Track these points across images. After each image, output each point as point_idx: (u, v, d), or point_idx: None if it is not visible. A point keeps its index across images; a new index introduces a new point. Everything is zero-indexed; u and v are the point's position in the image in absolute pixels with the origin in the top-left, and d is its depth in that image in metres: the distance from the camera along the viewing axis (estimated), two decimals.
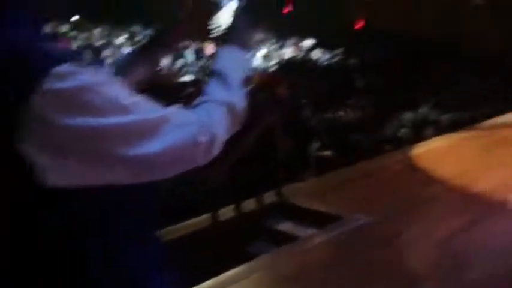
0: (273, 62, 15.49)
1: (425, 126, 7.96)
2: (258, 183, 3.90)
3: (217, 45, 0.98)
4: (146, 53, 1.04)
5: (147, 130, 0.68)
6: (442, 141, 5.72)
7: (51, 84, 0.61)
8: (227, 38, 0.97)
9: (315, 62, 15.34)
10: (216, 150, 0.80)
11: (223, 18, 1.01)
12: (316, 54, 16.16)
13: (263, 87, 11.85)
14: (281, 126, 6.90)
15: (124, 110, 0.66)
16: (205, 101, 0.84)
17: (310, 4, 18.97)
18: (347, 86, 11.34)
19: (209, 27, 1.03)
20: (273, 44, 17.55)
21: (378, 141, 7.23)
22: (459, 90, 10.13)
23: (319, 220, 2.48)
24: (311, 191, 3.40)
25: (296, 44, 17.49)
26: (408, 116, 8.64)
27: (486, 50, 10.43)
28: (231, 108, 0.84)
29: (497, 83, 9.55)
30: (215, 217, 2.62)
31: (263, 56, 15.95)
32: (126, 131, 0.66)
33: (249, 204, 2.79)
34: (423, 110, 8.92)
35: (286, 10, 21.18)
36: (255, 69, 14.62)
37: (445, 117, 8.43)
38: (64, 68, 0.62)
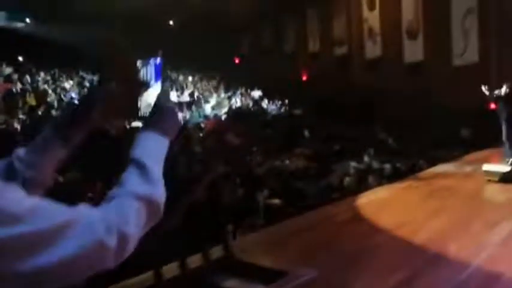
0: (224, 110, 15.74)
1: (369, 174, 8.26)
2: (204, 237, 3.81)
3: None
4: (62, 133, 0.95)
5: (40, 241, 0.63)
6: (384, 191, 5.96)
7: None
8: (149, 121, 0.93)
9: (263, 112, 15.75)
10: (128, 251, 0.75)
11: (150, 99, 0.98)
12: (265, 104, 16.64)
13: (213, 134, 11.95)
14: (229, 175, 6.92)
15: (14, 220, 0.62)
16: (120, 195, 0.78)
17: (259, 57, 19.85)
18: (294, 135, 11.69)
19: (135, 107, 1.00)
20: (224, 93, 17.91)
21: (324, 189, 7.39)
22: (401, 139, 10.84)
23: (266, 276, 2.43)
24: (259, 245, 3.35)
25: (246, 94, 17.97)
26: (353, 164, 8.95)
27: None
28: (148, 202, 0.79)
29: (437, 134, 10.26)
30: (158, 275, 2.49)
31: (214, 104, 16.20)
32: (16, 244, 0.61)
33: (195, 260, 2.68)
34: (367, 159, 9.29)
35: (237, 60, 21.97)
36: (206, 117, 14.77)
37: (387, 166, 8.81)
38: None
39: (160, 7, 17.42)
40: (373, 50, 14.72)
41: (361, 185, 7.43)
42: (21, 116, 11.43)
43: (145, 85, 1.01)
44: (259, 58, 19.71)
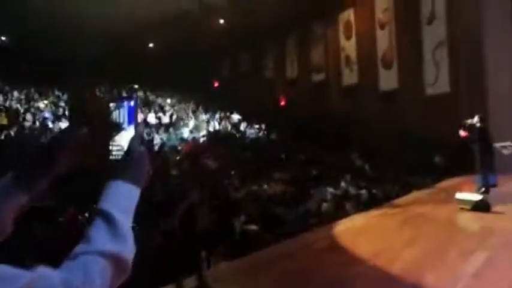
0: (202, 133, 15.67)
1: (346, 201, 8.29)
2: (178, 266, 3.69)
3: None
4: (24, 181, 0.88)
5: None
6: (361, 218, 5.98)
7: None
8: (120, 168, 0.87)
9: (241, 136, 15.76)
10: None
11: (123, 142, 0.93)
12: (243, 127, 16.66)
13: (189, 157, 11.75)
14: (205, 199, 6.80)
15: None
16: (85, 252, 0.73)
17: (238, 81, 20.04)
18: (272, 160, 11.69)
19: (105, 151, 0.94)
20: (202, 116, 17.88)
21: (302, 216, 7.36)
22: (377, 166, 11.00)
23: None
24: (234, 274, 3.27)
25: (224, 118, 17.99)
26: (330, 190, 8.97)
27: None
28: (116, 260, 0.75)
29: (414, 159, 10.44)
30: None
31: (192, 127, 16.13)
32: None
33: None
34: (344, 186, 9.34)
35: (216, 84, 22.11)
36: (183, 140, 14.65)
37: (363, 193, 8.87)
38: None
39: (141, 30, 17.45)
40: (349, 77, 15.08)
41: (339, 211, 7.44)
42: None
43: (118, 128, 0.95)
44: (238, 83, 19.90)
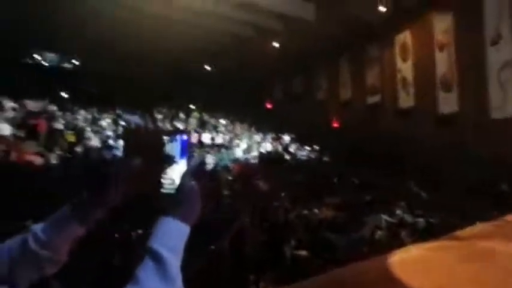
0: (254, 154, 15.80)
1: (401, 229, 7.91)
2: None
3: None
4: (79, 213, 0.92)
5: None
6: (417, 249, 5.64)
7: None
8: (170, 204, 0.88)
9: (292, 158, 15.68)
10: None
11: (174, 176, 0.95)
12: (294, 149, 16.58)
13: (240, 178, 11.85)
14: (256, 223, 6.78)
15: None
16: None
17: (291, 103, 20.12)
18: (324, 183, 11.48)
19: (157, 184, 0.96)
20: (255, 137, 18.05)
21: (354, 243, 7.10)
22: (435, 192, 10.43)
23: None
24: None
25: (276, 139, 18.05)
26: (385, 217, 8.61)
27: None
28: None
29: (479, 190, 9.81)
30: None
31: (244, 148, 16.32)
32: None
33: None
34: (399, 213, 8.94)
35: (269, 105, 22.34)
36: (235, 160, 14.85)
37: (420, 221, 8.43)
38: None
39: (199, 53, 18.14)
40: (406, 99, 14.60)
41: (394, 240, 7.10)
42: (59, 152, 11.92)
43: (170, 161, 0.97)
44: (291, 104, 19.95)
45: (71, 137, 12.94)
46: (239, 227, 4.40)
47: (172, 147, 1.02)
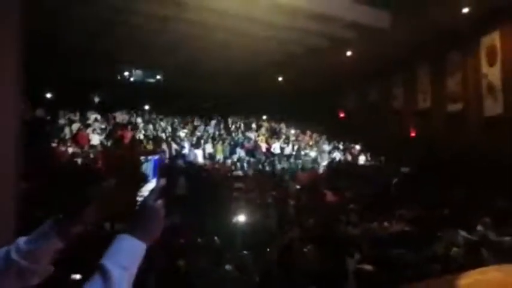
0: (323, 163, 15.58)
1: (482, 248, 7.26)
2: None
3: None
4: (59, 228, 1.00)
5: None
6: (497, 272, 5.13)
7: None
8: (129, 222, 0.92)
9: (363, 168, 15.16)
10: None
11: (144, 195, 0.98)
12: (367, 160, 16.03)
13: (307, 186, 11.71)
14: (318, 235, 6.68)
15: None
16: None
17: (365, 112, 19.52)
18: (396, 194, 10.94)
19: (133, 203, 1.01)
20: (325, 146, 17.80)
21: (425, 259, 6.66)
22: None
23: None
24: None
25: (348, 149, 17.61)
26: (463, 234, 7.97)
27: None
28: None
29: None
30: None
31: (314, 157, 16.17)
32: None
33: None
34: (481, 229, 8.21)
35: (341, 115, 21.91)
36: (304, 169, 14.76)
37: (507, 240, 7.67)
38: None
39: (272, 64, 18.44)
40: (493, 107, 13.42)
41: (471, 259, 6.53)
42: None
43: (145, 180, 1.04)
44: (365, 113, 19.37)
45: (150, 146, 13.86)
46: (287, 241, 4.37)
47: (147, 167, 1.07)
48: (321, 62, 16.88)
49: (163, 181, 0.97)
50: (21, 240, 1.00)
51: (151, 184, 1.02)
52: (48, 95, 17.61)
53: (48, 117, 13.33)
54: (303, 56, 17.05)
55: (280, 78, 20.80)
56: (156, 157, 1.15)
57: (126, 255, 0.87)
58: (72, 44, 15.88)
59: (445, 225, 8.30)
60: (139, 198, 1.01)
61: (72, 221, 1.02)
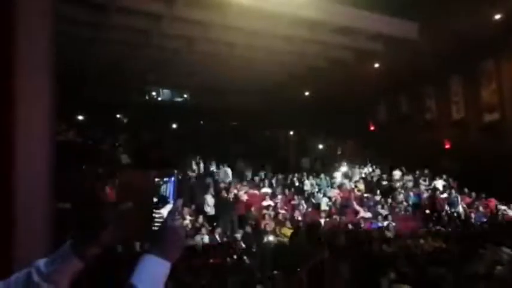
0: (355, 179, 15.24)
1: None
2: None
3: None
4: (79, 249, 1.03)
5: None
6: None
7: None
8: (153, 242, 0.97)
9: (396, 182, 14.71)
10: None
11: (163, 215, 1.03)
12: (400, 174, 15.57)
13: (340, 204, 11.36)
14: (350, 253, 6.43)
15: None
16: None
17: (396, 125, 19.10)
18: (432, 210, 10.49)
19: (150, 225, 1.03)
20: (356, 164, 17.45)
21: (466, 278, 6.27)
22: None
23: None
24: None
25: (381, 164, 17.21)
26: (507, 251, 7.50)
27: None
28: None
29: None
30: None
31: (344, 172, 15.87)
32: None
33: None
34: None
35: (372, 128, 21.52)
36: (334, 185, 14.47)
37: None
38: None
39: (298, 80, 18.41)
40: None
41: None
42: None
43: (164, 202, 1.04)
44: (396, 126, 18.95)
45: None
46: (318, 261, 4.20)
47: (166, 188, 1.08)
48: (349, 74, 16.70)
49: (180, 202, 1.04)
50: (41, 262, 1.02)
51: (169, 205, 1.05)
52: (80, 118, 18.16)
53: (79, 140, 13.72)
54: (329, 70, 16.93)
55: (307, 93, 20.72)
56: (173, 178, 1.14)
57: (152, 273, 0.93)
58: (100, 67, 16.43)
59: (487, 241, 7.84)
60: (156, 220, 1.04)
61: (91, 242, 1.04)
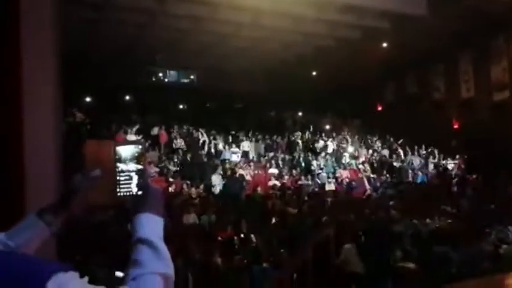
0: (361, 160, 15.22)
1: None
2: None
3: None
4: (45, 217, 1.05)
5: None
6: None
7: None
8: (141, 203, 1.01)
9: (405, 162, 14.67)
10: None
11: (133, 184, 1.06)
12: (408, 154, 15.51)
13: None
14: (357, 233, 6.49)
15: None
16: (142, 274, 0.88)
17: (404, 104, 18.91)
18: (440, 190, 10.49)
19: (115, 190, 1.06)
20: (362, 142, 17.39)
21: (471, 257, 6.31)
22: None
23: None
24: None
25: (388, 143, 17.14)
26: None
27: None
28: (166, 278, 0.91)
29: None
30: None
31: (351, 153, 15.83)
32: None
33: None
34: None
35: (379, 108, 21.36)
36: (341, 166, 14.47)
37: None
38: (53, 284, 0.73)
39: (305, 59, 18.20)
40: None
41: None
42: (175, 160, 13.16)
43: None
44: (404, 106, 18.78)
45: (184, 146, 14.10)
46: (324, 238, 4.26)
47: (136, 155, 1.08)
48: (356, 54, 16.47)
49: (148, 168, 1.04)
50: (1, 235, 1.01)
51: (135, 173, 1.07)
52: (87, 99, 18.21)
53: (87, 121, 13.80)
54: (336, 49, 16.70)
55: (314, 73, 20.51)
56: (140, 146, 1.19)
57: (157, 228, 0.98)
58: (107, 49, 16.36)
59: (494, 221, 7.84)
60: (122, 184, 1.07)
61: (59, 211, 1.07)
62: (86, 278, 0.80)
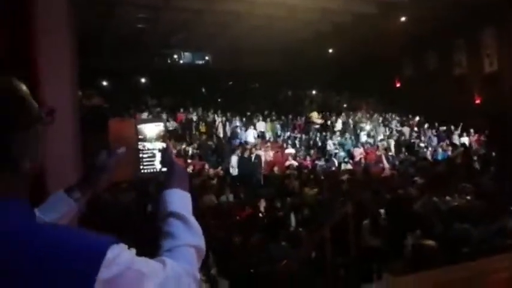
0: (379, 138, 15.02)
1: None
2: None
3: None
4: (73, 193, 1.08)
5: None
6: None
7: (102, 274, 0.73)
8: (168, 180, 1.04)
9: (423, 140, 14.42)
10: None
11: (156, 161, 1.08)
12: (428, 131, 15.23)
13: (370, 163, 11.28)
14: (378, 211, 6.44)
15: (150, 276, 0.80)
16: (177, 246, 0.92)
17: (424, 81, 18.47)
18: (459, 167, 10.29)
19: (138, 168, 1.08)
20: (380, 119, 17.14)
21: (492, 235, 6.22)
22: None
23: None
24: None
25: (406, 120, 16.85)
26: None
27: None
28: (198, 250, 0.94)
29: None
30: None
31: (369, 131, 15.65)
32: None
33: None
34: None
35: (398, 84, 20.94)
36: (359, 145, 14.33)
37: None
38: (105, 260, 0.75)
39: (321, 37, 17.89)
40: None
41: None
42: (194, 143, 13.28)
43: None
44: (424, 82, 18.35)
45: (203, 128, 14.15)
46: (342, 217, 4.23)
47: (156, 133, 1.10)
48: (373, 29, 16.07)
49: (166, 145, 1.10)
50: (36, 211, 1.02)
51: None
52: (104, 83, 18.35)
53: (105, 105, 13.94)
54: (353, 25, 16.32)
55: (330, 50, 20.17)
56: (161, 123, 1.21)
57: (186, 203, 1.01)
58: (121, 32, 16.37)
59: None
60: (145, 161, 1.08)
61: (85, 186, 1.10)
62: (134, 250, 0.82)
